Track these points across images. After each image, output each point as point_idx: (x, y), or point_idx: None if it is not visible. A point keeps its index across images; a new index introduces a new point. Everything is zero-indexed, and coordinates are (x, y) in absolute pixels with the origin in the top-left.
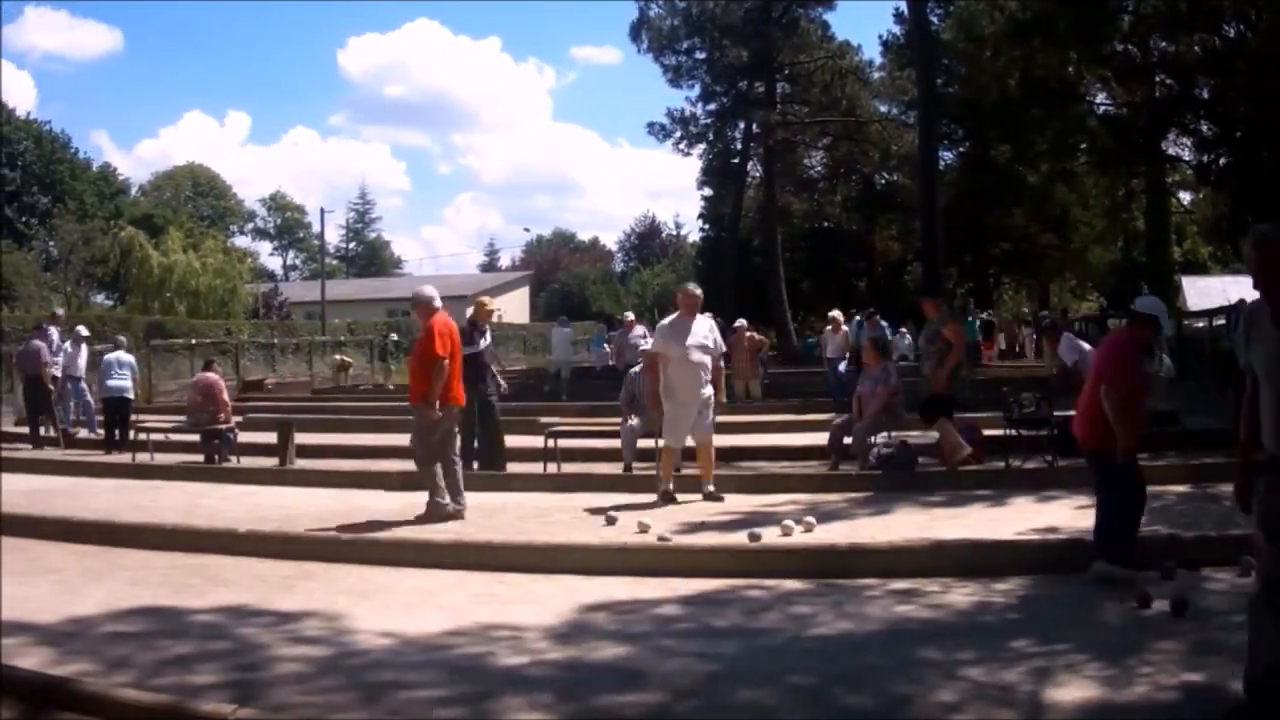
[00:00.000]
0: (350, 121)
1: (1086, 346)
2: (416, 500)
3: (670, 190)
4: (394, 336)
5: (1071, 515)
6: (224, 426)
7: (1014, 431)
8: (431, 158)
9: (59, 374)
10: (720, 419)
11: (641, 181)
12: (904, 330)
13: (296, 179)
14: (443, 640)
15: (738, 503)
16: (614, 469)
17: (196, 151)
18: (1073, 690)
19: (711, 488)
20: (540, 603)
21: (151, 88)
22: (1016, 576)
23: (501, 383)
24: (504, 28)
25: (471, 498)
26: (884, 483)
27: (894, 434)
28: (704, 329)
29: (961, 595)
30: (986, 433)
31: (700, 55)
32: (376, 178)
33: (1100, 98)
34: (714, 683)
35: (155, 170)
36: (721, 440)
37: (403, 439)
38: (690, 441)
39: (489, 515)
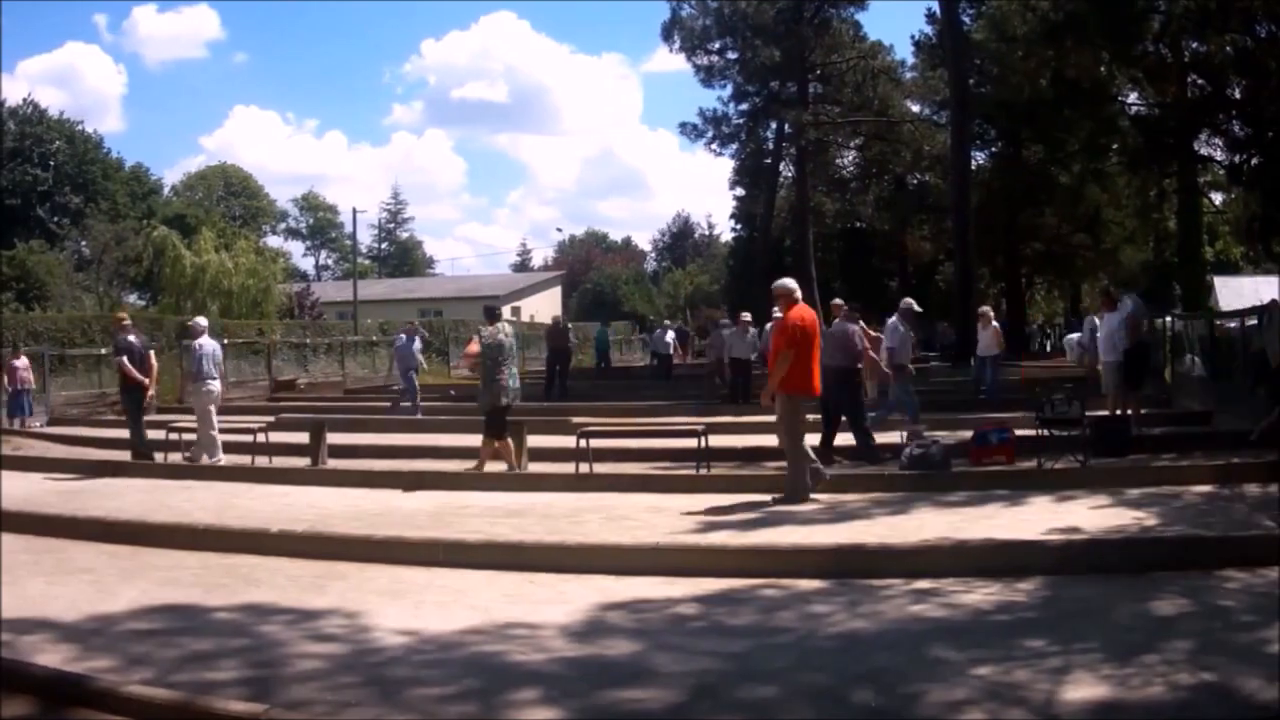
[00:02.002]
0: (424, 119)
1: None
2: (449, 500)
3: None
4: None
5: (1096, 515)
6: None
7: (1045, 431)
8: (498, 156)
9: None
10: (747, 419)
11: (710, 183)
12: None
13: (360, 176)
14: (460, 638)
15: (745, 501)
16: (644, 469)
17: (258, 147)
18: (1087, 689)
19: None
20: (570, 602)
21: (232, 84)
22: (1037, 576)
23: None
24: (597, 27)
25: (503, 498)
26: (910, 483)
27: (926, 434)
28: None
29: (980, 595)
30: (1019, 433)
31: (732, 55)
32: (439, 176)
33: (1132, 98)
34: (724, 680)
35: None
36: (746, 440)
37: (435, 438)
38: None
39: (520, 515)
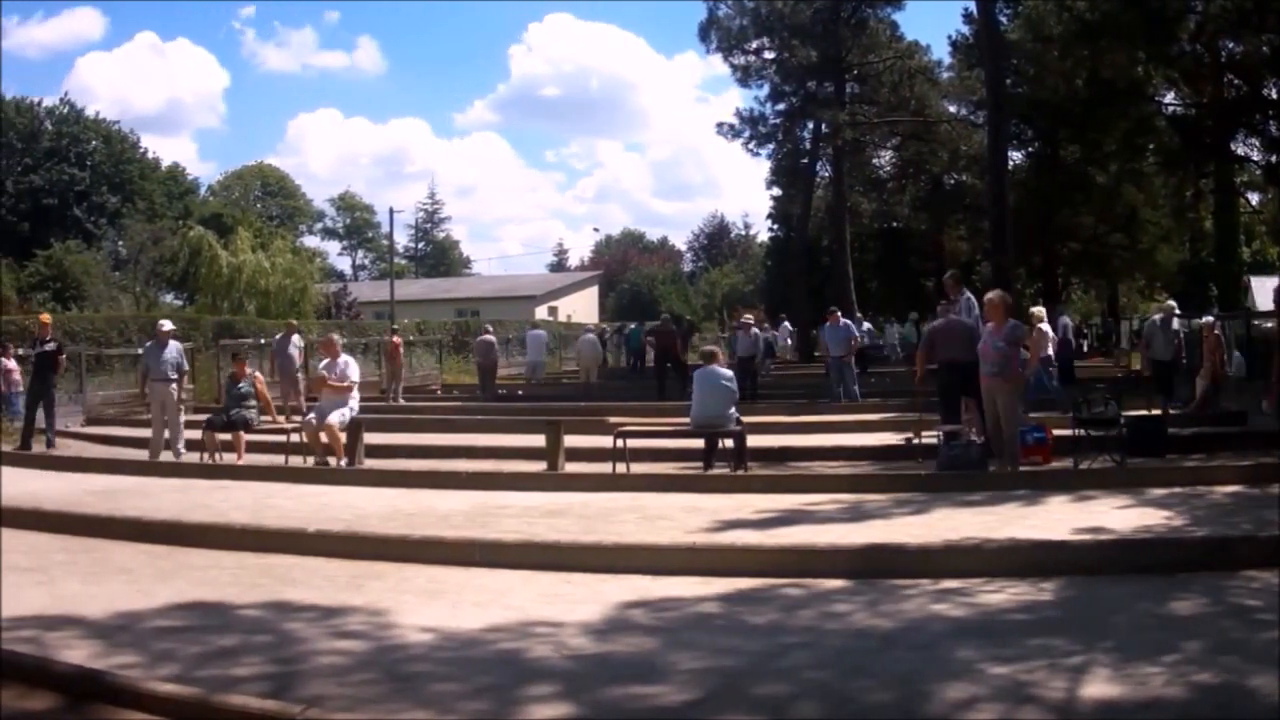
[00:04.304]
0: (498, 117)
1: None
2: (485, 500)
3: None
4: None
5: (1129, 515)
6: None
7: (1082, 431)
8: (572, 155)
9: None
10: (778, 419)
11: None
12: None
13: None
14: (482, 635)
15: (778, 502)
16: (680, 468)
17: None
18: (1103, 688)
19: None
20: (605, 601)
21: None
22: (1063, 576)
23: None
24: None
25: (539, 497)
26: (944, 482)
27: (963, 434)
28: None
29: (1001, 595)
30: (1056, 433)
31: (769, 55)
32: (500, 174)
33: (1168, 98)
34: (741, 678)
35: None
36: (775, 440)
37: (470, 439)
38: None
39: (556, 515)
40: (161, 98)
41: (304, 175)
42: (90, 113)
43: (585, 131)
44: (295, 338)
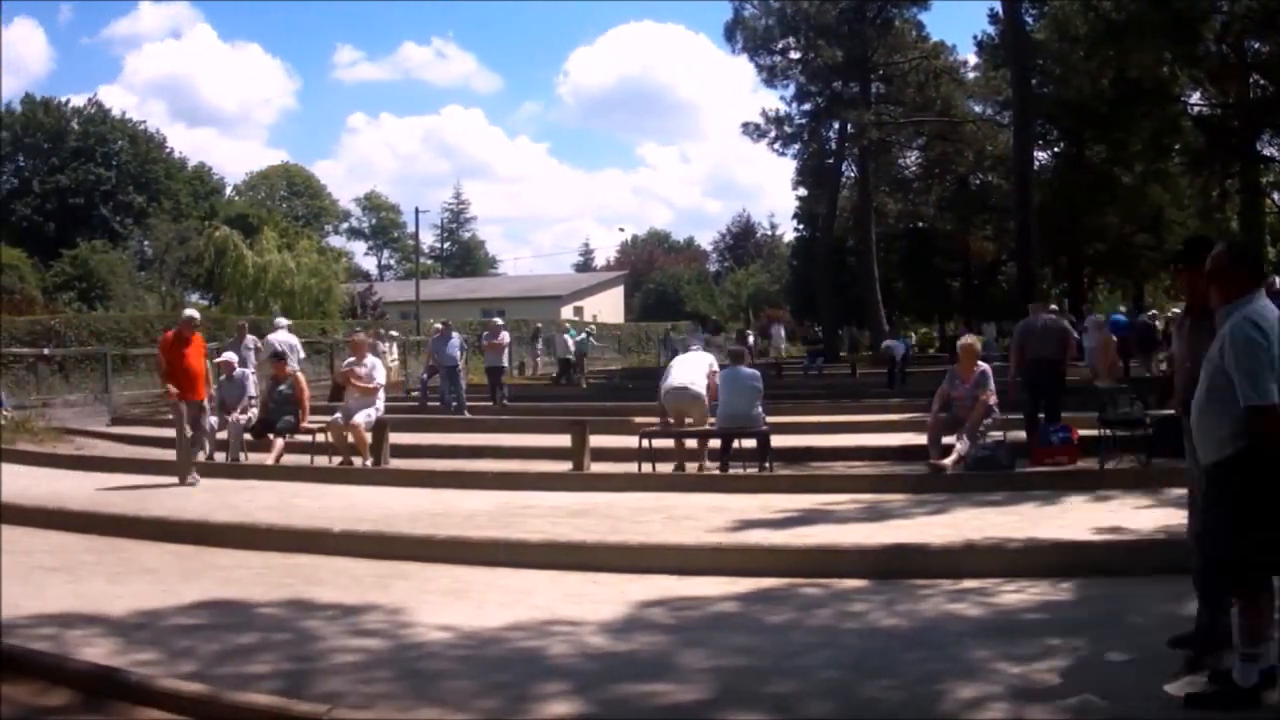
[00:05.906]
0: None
1: None
2: (511, 500)
3: None
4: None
5: (1157, 514)
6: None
7: (1108, 432)
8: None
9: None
10: (801, 419)
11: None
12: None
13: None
14: (499, 634)
15: (802, 502)
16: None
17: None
18: (1115, 687)
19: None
20: (628, 601)
21: None
22: (1082, 577)
23: None
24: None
25: (565, 497)
26: (971, 483)
27: (989, 435)
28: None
29: (1020, 595)
30: (1082, 433)
31: (795, 55)
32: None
33: (1194, 98)
34: (754, 677)
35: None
36: (799, 440)
37: (495, 439)
38: None
39: (582, 515)
40: (235, 97)
41: (365, 174)
42: (155, 109)
43: (632, 130)
44: (249, 339)
